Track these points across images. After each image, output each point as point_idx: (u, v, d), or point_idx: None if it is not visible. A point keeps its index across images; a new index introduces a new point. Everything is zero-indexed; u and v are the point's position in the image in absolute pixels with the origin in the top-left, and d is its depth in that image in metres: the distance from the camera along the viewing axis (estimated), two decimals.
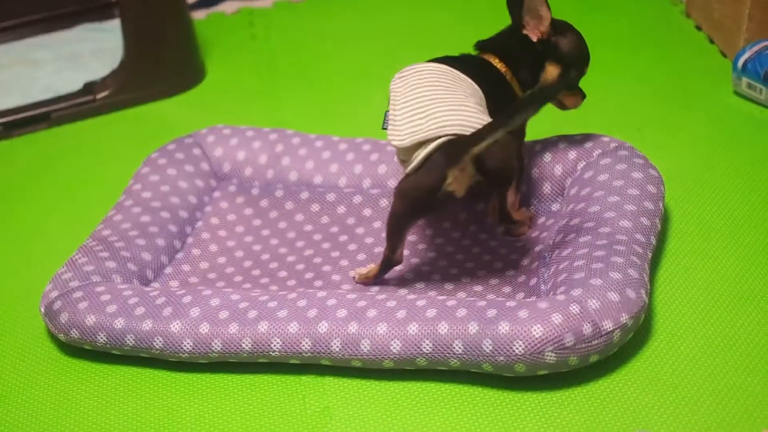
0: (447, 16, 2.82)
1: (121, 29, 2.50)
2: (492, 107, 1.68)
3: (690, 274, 1.74)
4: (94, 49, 2.78)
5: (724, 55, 2.40)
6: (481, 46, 1.85)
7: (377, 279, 1.75)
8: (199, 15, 2.95)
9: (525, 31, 1.80)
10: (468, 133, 1.56)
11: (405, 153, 1.62)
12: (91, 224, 2.00)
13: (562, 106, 1.88)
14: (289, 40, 2.78)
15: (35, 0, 2.91)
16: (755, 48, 2.23)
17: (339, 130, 2.17)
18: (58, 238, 2.05)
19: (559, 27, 1.82)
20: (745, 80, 2.22)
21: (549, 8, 1.78)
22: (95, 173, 2.28)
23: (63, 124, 2.48)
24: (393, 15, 2.87)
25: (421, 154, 1.58)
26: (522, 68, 1.82)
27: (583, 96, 1.88)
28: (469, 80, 1.71)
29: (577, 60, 1.84)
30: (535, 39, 1.80)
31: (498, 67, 1.81)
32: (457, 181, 1.60)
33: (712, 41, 2.48)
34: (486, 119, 1.59)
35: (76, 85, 2.55)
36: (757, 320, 1.63)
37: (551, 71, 1.81)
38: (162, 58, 2.54)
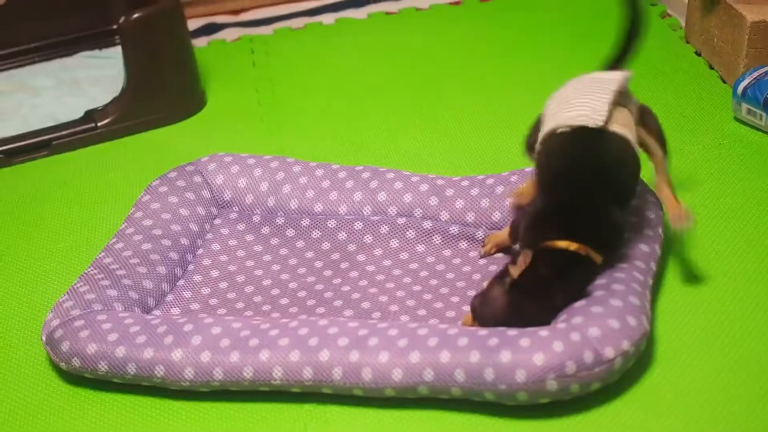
0: (442, 41, 2.84)
1: (123, 57, 2.50)
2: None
3: (691, 300, 1.74)
4: (95, 76, 2.79)
5: (724, 81, 2.41)
6: None
7: None
8: (200, 42, 2.96)
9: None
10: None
11: None
12: (91, 252, 2.01)
13: None
14: (289, 67, 2.79)
15: (35, 27, 2.93)
16: (755, 74, 2.23)
17: (340, 156, 2.17)
18: (58, 265, 2.05)
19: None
20: (745, 106, 2.22)
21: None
22: (96, 201, 2.27)
23: (64, 151, 2.48)
24: (392, 40, 2.88)
25: None
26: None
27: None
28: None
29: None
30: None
31: None
32: None
33: (711, 67, 2.48)
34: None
35: (76, 112, 2.56)
36: (760, 346, 1.63)
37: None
38: (163, 85, 2.55)
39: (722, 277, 1.78)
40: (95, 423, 1.64)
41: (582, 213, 1.65)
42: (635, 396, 1.56)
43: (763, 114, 2.18)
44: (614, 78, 1.75)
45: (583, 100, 1.71)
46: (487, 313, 1.62)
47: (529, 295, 1.60)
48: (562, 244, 1.60)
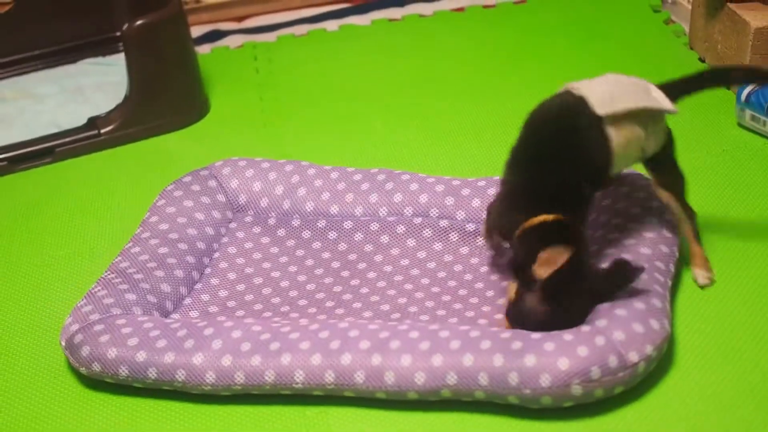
0: (446, 47, 2.85)
1: (126, 63, 2.50)
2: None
3: (704, 304, 1.74)
4: (98, 83, 2.78)
5: (728, 87, 2.41)
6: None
7: None
8: (203, 49, 2.96)
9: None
10: None
11: None
12: (95, 258, 2.00)
13: None
14: (293, 74, 2.79)
15: (39, 34, 2.92)
16: None
17: (345, 163, 2.16)
18: (62, 272, 2.03)
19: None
20: (748, 112, 2.23)
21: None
22: (99, 207, 2.26)
23: (67, 158, 2.47)
24: (396, 46, 2.89)
25: None
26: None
27: None
28: None
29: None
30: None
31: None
32: None
33: None
34: None
35: (79, 119, 2.55)
36: (765, 352, 1.63)
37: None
38: (166, 92, 2.54)
39: (728, 282, 1.78)
40: (116, 427, 1.63)
41: (545, 182, 1.65)
42: (657, 397, 1.56)
43: (767, 120, 2.19)
44: (658, 99, 1.69)
45: (611, 88, 1.67)
46: (530, 324, 1.58)
47: (563, 295, 1.58)
48: (537, 219, 1.59)
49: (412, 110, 2.53)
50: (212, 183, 2.08)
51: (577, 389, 1.49)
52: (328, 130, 2.49)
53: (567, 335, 1.53)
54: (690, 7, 2.65)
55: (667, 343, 1.57)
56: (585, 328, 1.54)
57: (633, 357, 1.51)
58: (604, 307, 1.58)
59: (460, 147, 2.33)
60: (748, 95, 2.23)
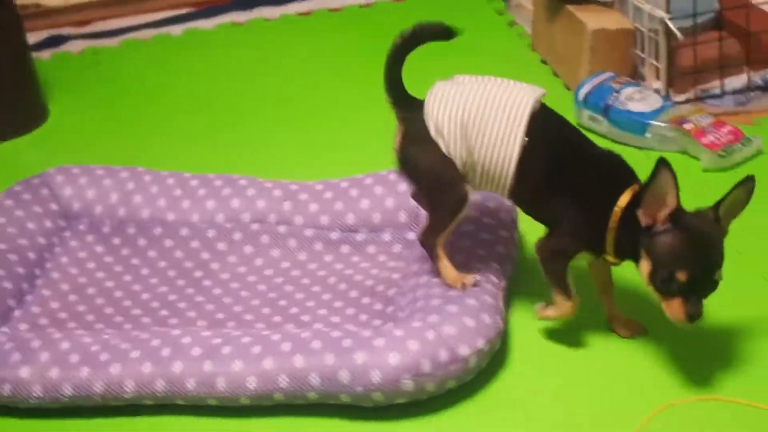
0: (293, 51, 2.85)
1: None
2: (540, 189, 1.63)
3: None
4: None
5: (568, 88, 2.45)
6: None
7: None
8: (43, 55, 2.89)
9: (638, 211, 1.52)
10: None
11: None
12: None
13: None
14: (136, 79, 2.75)
15: None
16: (595, 81, 2.29)
17: (187, 168, 2.14)
18: None
19: (682, 220, 1.51)
20: (586, 113, 2.27)
21: (677, 196, 1.50)
22: None
23: None
24: (240, 51, 2.87)
25: None
26: (625, 236, 1.56)
27: (693, 315, 1.49)
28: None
29: (669, 262, 1.50)
30: (642, 223, 1.52)
31: (620, 201, 1.56)
32: None
33: (556, 74, 2.53)
34: None
35: None
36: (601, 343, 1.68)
37: (644, 265, 1.52)
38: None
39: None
40: None
41: None
42: (490, 393, 1.58)
43: (604, 120, 2.23)
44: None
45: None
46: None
47: None
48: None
49: (268, 114, 2.51)
50: (44, 191, 2.02)
51: (407, 384, 1.50)
52: (173, 134, 2.46)
53: (398, 331, 1.54)
54: (532, 8, 2.69)
55: (500, 339, 1.60)
56: (416, 323, 1.55)
57: (464, 351, 1.53)
58: (436, 304, 1.59)
59: (326, 150, 2.33)
60: (586, 96, 2.27)
